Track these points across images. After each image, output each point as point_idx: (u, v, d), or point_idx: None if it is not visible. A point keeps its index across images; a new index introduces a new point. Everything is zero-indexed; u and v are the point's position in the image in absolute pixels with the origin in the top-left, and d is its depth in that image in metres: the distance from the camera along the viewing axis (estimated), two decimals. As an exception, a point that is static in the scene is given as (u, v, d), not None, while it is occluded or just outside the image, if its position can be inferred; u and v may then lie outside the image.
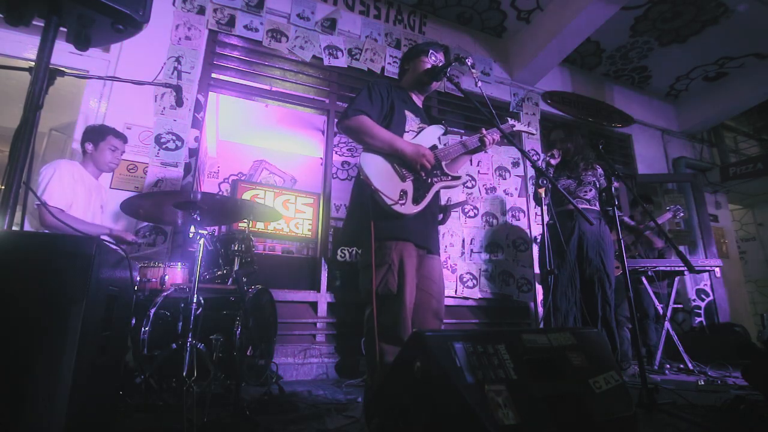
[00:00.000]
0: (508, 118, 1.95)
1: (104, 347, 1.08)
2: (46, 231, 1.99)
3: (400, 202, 1.54)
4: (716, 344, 3.60)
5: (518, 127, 1.94)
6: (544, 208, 2.43)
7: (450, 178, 1.71)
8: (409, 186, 1.60)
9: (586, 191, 2.74)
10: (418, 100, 1.90)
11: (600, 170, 2.78)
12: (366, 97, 1.69)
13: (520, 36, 4.32)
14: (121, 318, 1.29)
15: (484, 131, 1.76)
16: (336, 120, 3.48)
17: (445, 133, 1.86)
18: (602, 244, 2.62)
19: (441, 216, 2.07)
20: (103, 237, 2.07)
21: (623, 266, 2.10)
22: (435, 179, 1.67)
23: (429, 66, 1.80)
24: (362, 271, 1.63)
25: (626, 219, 3.71)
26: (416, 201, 1.59)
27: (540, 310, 3.63)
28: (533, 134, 2.12)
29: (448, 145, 1.77)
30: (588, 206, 2.70)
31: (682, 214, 3.69)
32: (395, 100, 1.75)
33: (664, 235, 3.56)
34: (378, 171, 1.57)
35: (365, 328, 1.57)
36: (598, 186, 2.76)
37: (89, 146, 2.25)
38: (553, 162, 2.72)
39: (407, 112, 1.76)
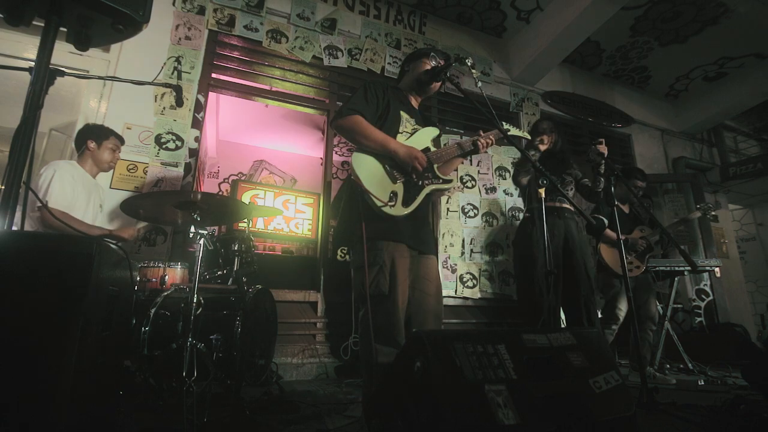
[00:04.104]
0: (503, 122, 1.94)
1: (104, 347, 1.08)
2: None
3: (390, 203, 1.54)
4: (716, 344, 3.60)
5: (512, 132, 1.92)
6: (541, 206, 2.39)
7: (441, 180, 1.70)
8: (399, 188, 1.60)
9: (567, 190, 2.72)
10: (415, 101, 1.90)
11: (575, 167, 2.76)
12: (361, 97, 1.69)
13: (520, 36, 4.32)
14: (121, 318, 1.29)
15: (481, 133, 1.75)
16: (332, 118, 3.49)
17: (439, 136, 1.85)
18: (584, 244, 2.60)
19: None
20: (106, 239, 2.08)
21: (623, 265, 2.10)
22: (426, 182, 1.66)
23: (429, 67, 1.80)
24: (354, 272, 1.63)
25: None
26: (406, 203, 1.59)
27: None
28: (528, 139, 2.12)
29: (441, 148, 1.77)
30: (569, 205, 2.63)
31: (714, 213, 3.55)
32: (391, 99, 1.75)
33: (667, 235, 3.54)
34: (369, 172, 1.57)
35: (360, 328, 1.58)
36: (574, 184, 2.74)
37: (91, 144, 2.26)
38: (541, 147, 2.66)
39: (402, 113, 1.76)
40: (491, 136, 1.76)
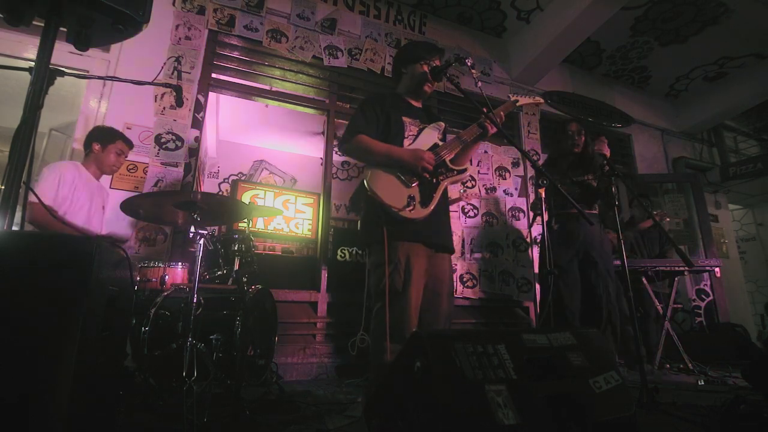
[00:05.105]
0: (510, 95, 1.93)
1: (104, 347, 1.08)
2: (31, 227, 1.98)
3: (409, 208, 1.57)
4: (716, 344, 3.60)
5: (522, 101, 1.91)
6: (544, 214, 2.37)
7: (456, 172, 1.72)
8: (415, 190, 1.62)
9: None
10: (416, 102, 1.90)
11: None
12: (360, 117, 1.74)
13: (520, 36, 4.32)
14: (121, 318, 1.29)
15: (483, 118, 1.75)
16: (335, 144, 3.51)
17: (445, 129, 1.86)
18: (605, 248, 2.60)
19: None
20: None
21: (623, 266, 2.10)
22: (441, 177, 1.68)
23: (427, 70, 1.80)
24: (371, 272, 1.66)
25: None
26: (424, 203, 1.61)
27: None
28: (541, 102, 2.08)
29: (448, 141, 1.77)
30: (591, 210, 2.64)
31: (667, 220, 3.62)
32: (390, 110, 1.77)
33: (665, 234, 3.56)
34: (383, 184, 1.60)
35: (372, 324, 1.60)
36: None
37: (96, 146, 2.26)
38: (576, 151, 2.62)
39: (404, 119, 1.77)
40: (501, 112, 1.77)
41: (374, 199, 1.59)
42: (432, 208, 1.61)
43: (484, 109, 1.73)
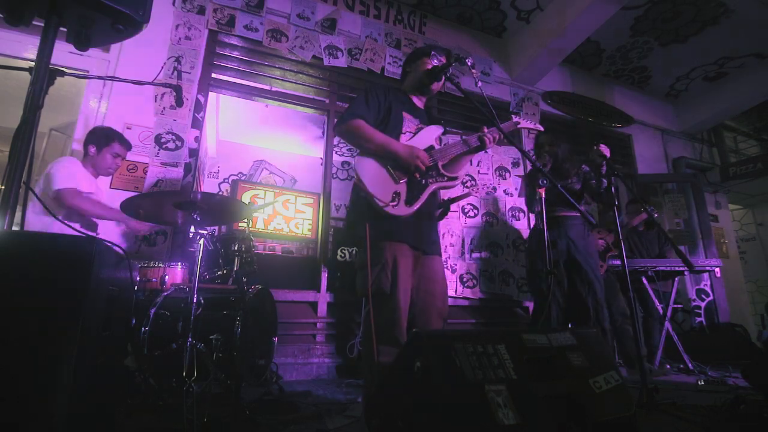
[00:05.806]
0: (513, 116, 1.93)
1: (104, 347, 1.08)
2: (70, 215, 2.08)
3: (392, 204, 1.55)
4: (716, 344, 3.60)
5: (523, 124, 1.90)
6: (541, 209, 2.40)
7: (446, 178, 1.70)
8: (402, 188, 1.60)
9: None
10: (419, 101, 1.90)
11: (586, 168, 2.77)
12: (362, 102, 1.71)
13: (520, 36, 4.32)
14: (121, 318, 1.29)
15: (485, 129, 1.74)
16: (334, 123, 3.51)
17: (444, 133, 1.85)
18: (589, 249, 2.64)
19: (440, 211, 2.06)
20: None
21: (623, 266, 2.10)
22: (430, 180, 1.66)
23: (430, 67, 1.81)
24: (358, 272, 1.65)
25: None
26: (409, 203, 1.59)
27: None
28: (540, 130, 2.08)
29: (445, 146, 1.76)
30: (575, 213, 2.68)
31: (656, 215, 3.65)
32: (392, 102, 1.76)
33: (664, 234, 3.56)
34: (372, 174, 1.59)
35: (362, 327, 1.59)
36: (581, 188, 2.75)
37: (92, 149, 2.26)
38: (545, 170, 2.70)
39: (405, 114, 1.76)
40: (496, 132, 1.76)
41: (360, 188, 1.57)
42: (416, 208, 1.59)
43: (484, 128, 1.73)
